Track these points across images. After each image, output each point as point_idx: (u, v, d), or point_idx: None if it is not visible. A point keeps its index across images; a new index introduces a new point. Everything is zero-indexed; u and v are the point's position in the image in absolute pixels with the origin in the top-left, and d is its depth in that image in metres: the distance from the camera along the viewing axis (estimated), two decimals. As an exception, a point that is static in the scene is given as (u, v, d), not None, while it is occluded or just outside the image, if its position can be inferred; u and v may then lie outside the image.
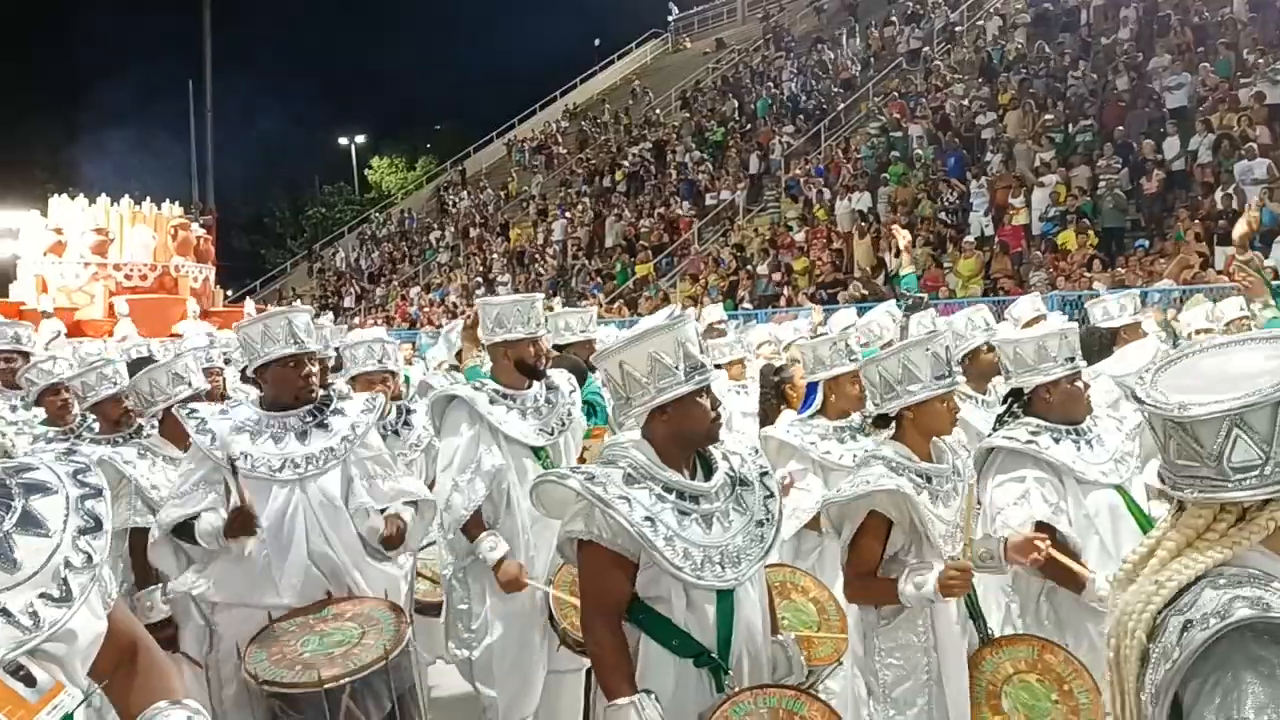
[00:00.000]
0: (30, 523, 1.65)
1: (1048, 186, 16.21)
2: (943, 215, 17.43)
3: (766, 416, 4.84)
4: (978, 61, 22.40)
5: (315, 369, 3.78)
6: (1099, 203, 15.61)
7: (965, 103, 20.25)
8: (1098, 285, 12.17)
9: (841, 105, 24.12)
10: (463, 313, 20.12)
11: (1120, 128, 16.80)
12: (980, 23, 24.43)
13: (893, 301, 7.19)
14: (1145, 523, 3.39)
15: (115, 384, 4.40)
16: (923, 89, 22.10)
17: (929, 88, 21.96)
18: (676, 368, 2.62)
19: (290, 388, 3.68)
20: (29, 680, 1.55)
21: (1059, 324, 4.48)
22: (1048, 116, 18.02)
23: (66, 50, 44.61)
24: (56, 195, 21.00)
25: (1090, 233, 15.04)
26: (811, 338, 5.33)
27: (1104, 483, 3.44)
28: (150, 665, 1.88)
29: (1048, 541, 3.16)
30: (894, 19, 26.56)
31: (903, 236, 7.47)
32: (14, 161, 37.97)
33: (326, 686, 3.04)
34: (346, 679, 3.08)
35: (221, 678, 3.55)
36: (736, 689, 2.57)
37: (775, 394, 4.87)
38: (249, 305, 18.11)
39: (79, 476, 1.78)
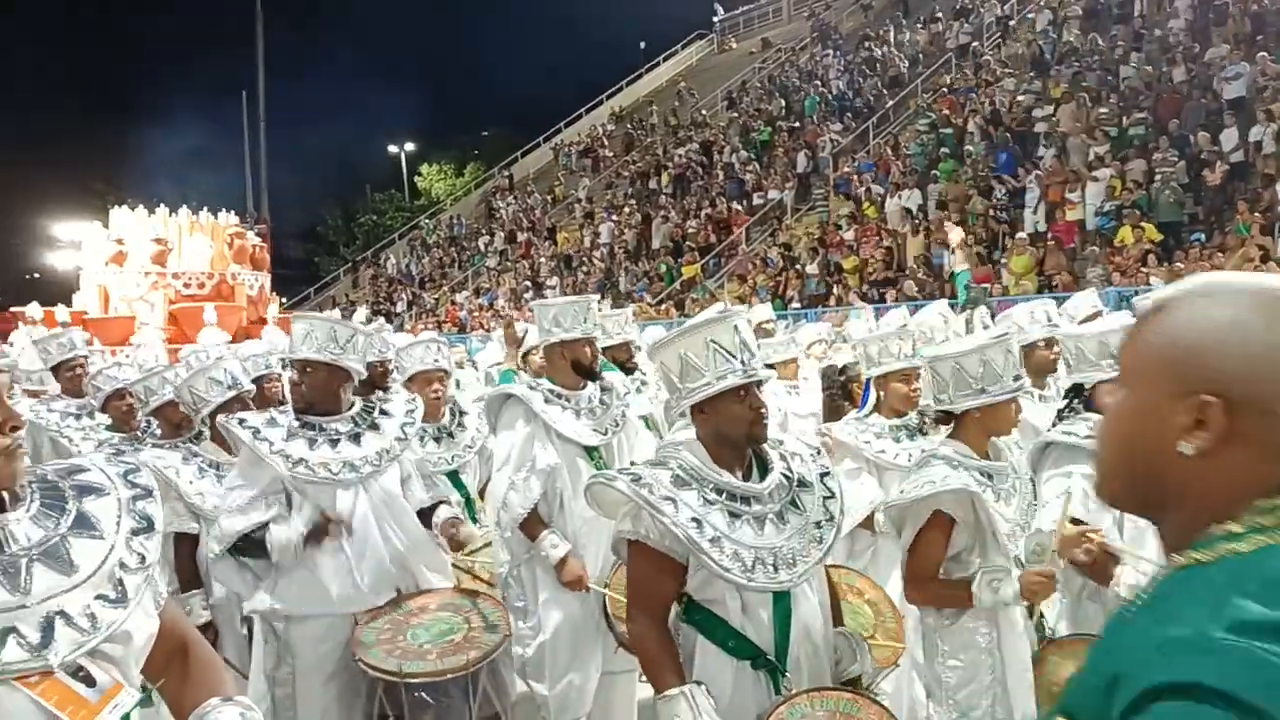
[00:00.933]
0: (85, 525, 1.68)
1: (1102, 181, 15.91)
2: (994, 211, 17.19)
3: (832, 416, 4.80)
4: (1029, 55, 22.06)
5: (345, 385, 3.78)
6: (1155, 196, 15.29)
7: (1017, 97, 19.96)
8: (1155, 281, 11.92)
9: (890, 102, 23.91)
10: (513, 317, 20.28)
11: (1176, 120, 16.46)
12: (1031, 15, 24.07)
13: (944, 300, 7.11)
14: None
15: (173, 390, 4.50)
16: (973, 84, 21.83)
17: (979, 82, 21.68)
18: (735, 356, 2.62)
19: (322, 394, 3.71)
20: (89, 681, 1.58)
21: (1123, 320, 4.39)
22: (1101, 110, 17.69)
23: (125, 67, 45.75)
24: (117, 206, 21.50)
25: (1147, 227, 14.74)
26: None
27: None
28: (201, 663, 1.91)
29: (1099, 536, 3.09)
30: (942, 14, 26.27)
31: (955, 234, 7.39)
32: (76, 175, 39.03)
33: (474, 668, 3.21)
34: (487, 659, 3.25)
35: (300, 691, 3.53)
36: (793, 691, 2.56)
37: (842, 393, 4.84)
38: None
39: (129, 478, 1.81)
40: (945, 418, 3.23)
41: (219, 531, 3.58)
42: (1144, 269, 13.54)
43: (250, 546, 3.58)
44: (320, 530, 3.50)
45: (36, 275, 31.69)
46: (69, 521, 1.66)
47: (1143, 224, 14.77)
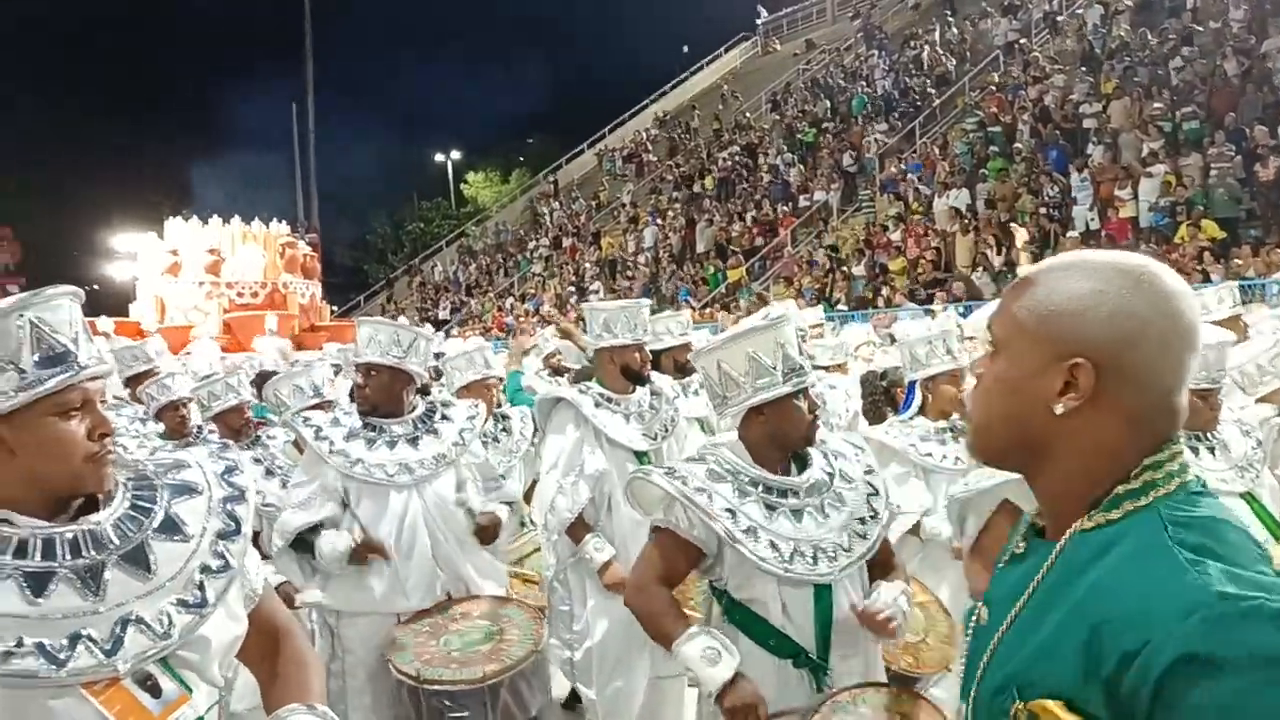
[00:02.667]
0: (170, 528, 1.67)
1: (1156, 177, 15.60)
2: (1045, 209, 16.93)
3: (875, 421, 4.75)
4: (1079, 51, 21.72)
5: (408, 388, 3.84)
6: (1211, 193, 14.97)
7: (1066, 94, 19.65)
8: (1215, 278, 11.66)
9: (937, 101, 23.67)
10: (571, 317, 20.35)
11: (1231, 114, 16.08)
12: (1080, 11, 23.68)
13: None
14: (1275, 529, 3.23)
15: (239, 395, 4.63)
16: (1021, 81, 21.54)
17: (1028, 80, 21.38)
18: (775, 368, 2.62)
19: (386, 396, 3.76)
20: (155, 690, 1.57)
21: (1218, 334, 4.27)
22: (1154, 105, 17.36)
23: (179, 82, 46.76)
24: (172, 218, 21.96)
25: (1205, 224, 14.42)
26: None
27: (1225, 490, 3.28)
28: (293, 660, 1.88)
29: None
30: (990, 11, 25.96)
31: (1021, 234, 7.28)
32: (132, 187, 39.93)
33: (490, 682, 3.17)
34: (506, 674, 3.20)
35: (350, 687, 3.60)
36: (835, 689, 2.54)
37: (884, 399, 4.80)
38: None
39: (227, 477, 1.81)
40: None
41: (281, 525, 3.66)
42: (1200, 266, 13.25)
43: (302, 545, 3.65)
44: (363, 551, 3.54)
45: (95, 286, 32.44)
46: (155, 524, 1.66)
47: (1199, 220, 14.47)
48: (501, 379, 5.38)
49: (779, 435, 2.69)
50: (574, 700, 4.66)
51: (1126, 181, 16.03)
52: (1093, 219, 16.33)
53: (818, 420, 2.73)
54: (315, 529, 3.63)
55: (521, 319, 25.09)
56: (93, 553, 1.57)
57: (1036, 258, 15.80)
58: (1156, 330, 1.14)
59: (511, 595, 4.01)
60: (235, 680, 1.90)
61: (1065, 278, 1.19)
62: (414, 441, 3.74)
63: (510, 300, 28.21)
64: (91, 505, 1.65)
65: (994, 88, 21.92)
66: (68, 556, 1.55)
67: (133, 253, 23.44)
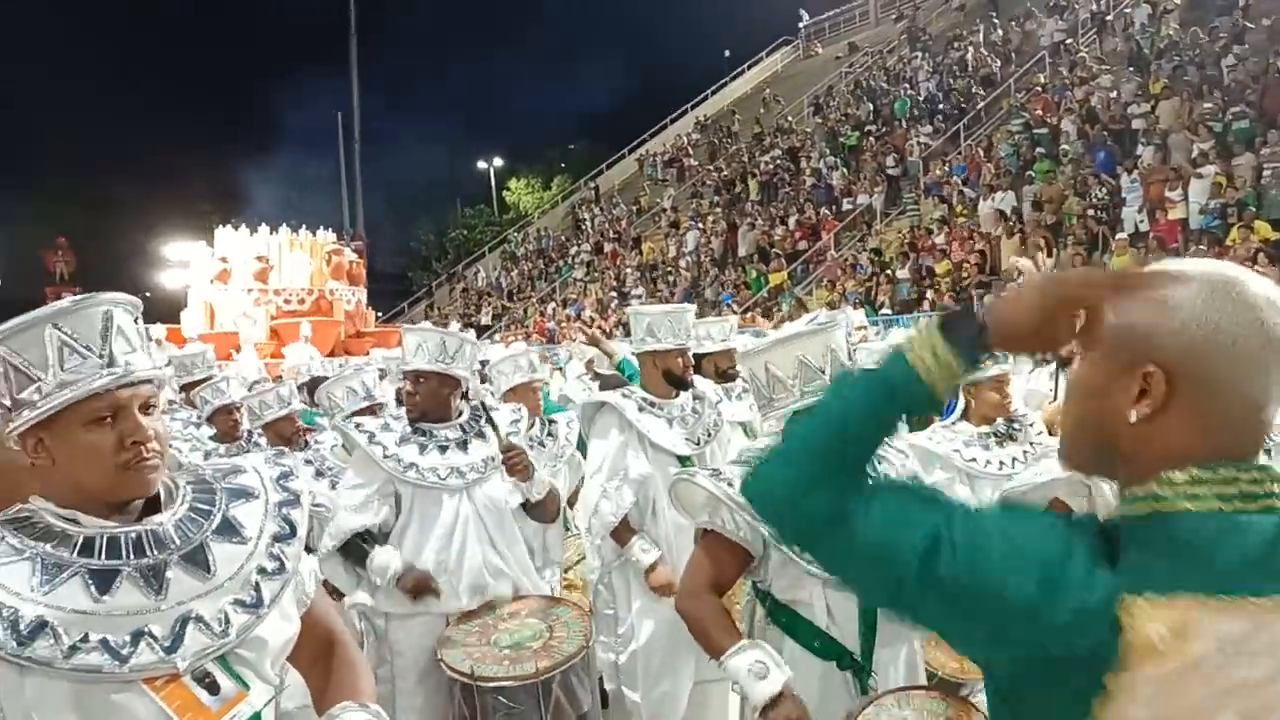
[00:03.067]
0: (228, 530, 1.71)
1: (1206, 178, 15.32)
2: (1093, 211, 16.70)
3: (917, 426, 4.69)
4: (1126, 51, 21.40)
5: (456, 393, 3.88)
6: (1263, 193, 14.66)
7: (1113, 94, 19.37)
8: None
9: (982, 103, 23.44)
10: (598, 325, 20.41)
11: (1285, 112, 15.75)
12: (1128, 10, 23.34)
13: None
14: None
15: (288, 404, 4.74)
16: (1068, 82, 21.26)
17: (1074, 80, 21.10)
18: (824, 371, 2.62)
19: (435, 402, 3.81)
20: (213, 688, 1.61)
21: None
22: (1204, 105, 17.04)
23: (226, 93, 47.61)
24: (221, 227, 22.35)
25: (1259, 225, 14.12)
26: None
27: None
28: (344, 662, 1.92)
29: None
30: (1035, 12, 25.67)
31: (1026, 264, 7.17)
32: (182, 197, 40.73)
33: (543, 677, 3.19)
34: (558, 669, 3.23)
35: (400, 690, 3.62)
36: (880, 691, 2.53)
37: None
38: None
39: (282, 482, 1.85)
40: None
41: (334, 528, 3.70)
42: (1254, 268, 12.97)
43: (352, 551, 3.69)
44: (411, 582, 3.58)
45: (148, 294, 33.09)
46: (213, 525, 1.70)
47: (1252, 223, 14.18)
48: (546, 382, 5.43)
49: None
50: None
51: (1177, 183, 15.76)
52: (1142, 221, 16.07)
53: None
54: (367, 536, 3.68)
55: (563, 324, 25.20)
56: (155, 552, 1.61)
57: (1085, 260, 15.59)
58: (1233, 340, 1.14)
59: (559, 597, 4.03)
60: (287, 678, 1.94)
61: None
62: (463, 445, 3.79)
63: (552, 305, 28.34)
64: (154, 507, 1.69)
65: (1040, 89, 21.66)
66: (131, 556, 1.60)
67: (184, 261, 23.87)
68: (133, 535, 1.61)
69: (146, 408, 1.65)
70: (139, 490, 1.64)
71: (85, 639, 1.52)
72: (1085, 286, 1.24)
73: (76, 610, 1.53)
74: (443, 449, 3.75)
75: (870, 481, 1.32)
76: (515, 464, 3.69)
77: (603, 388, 6.06)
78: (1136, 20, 22.33)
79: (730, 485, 2.62)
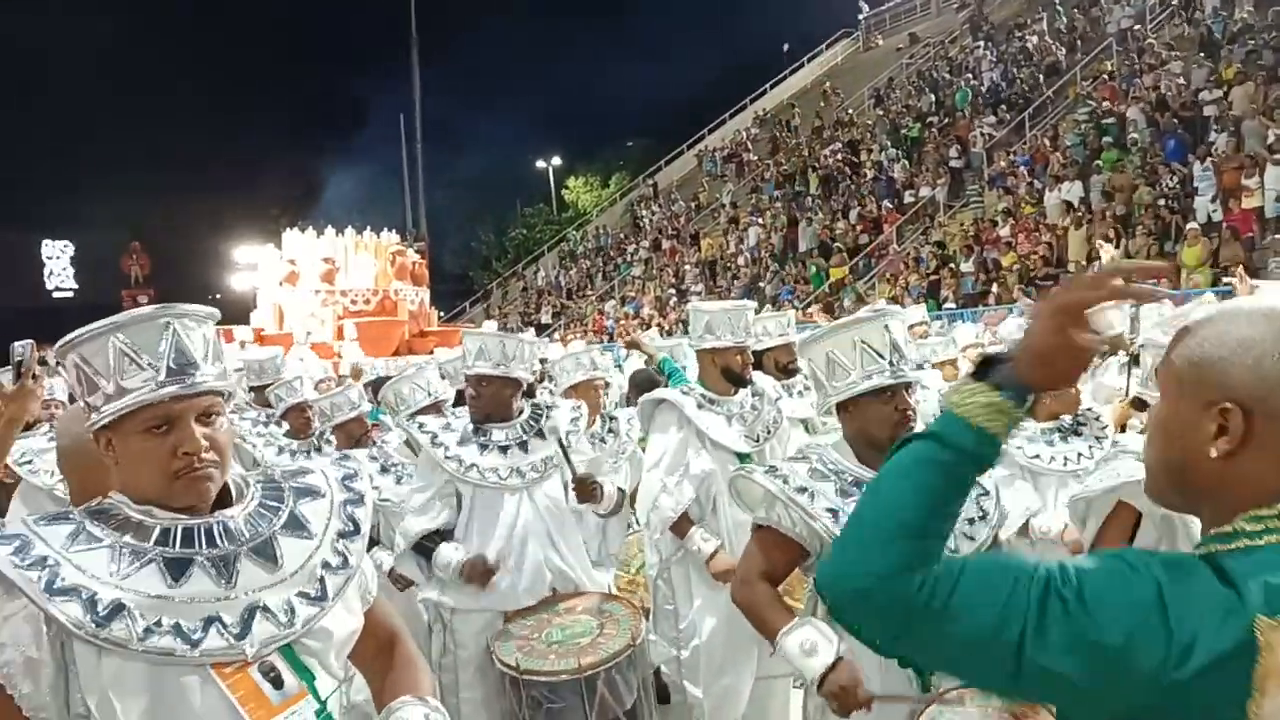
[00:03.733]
0: (296, 525, 1.79)
1: (1284, 164, 14.87)
2: (1164, 201, 16.29)
3: None
4: (1196, 36, 20.81)
5: (517, 393, 3.94)
6: (1346, 179, 14.19)
7: (1182, 80, 18.86)
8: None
9: (1048, 92, 22.99)
10: (657, 323, 20.45)
11: (1368, 95, 15.21)
12: (1199, -6, 22.72)
13: None
14: None
15: (358, 406, 4.89)
16: (1136, 69, 20.75)
17: (1143, 67, 20.59)
18: (883, 356, 2.62)
19: (497, 404, 3.87)
20: (277, 682, 1.66)
21: None
22: (1280, 89, 16.54)
23: (292, 98, 48.60)
24: (289, 229, 22.82)
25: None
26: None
27: None
28: (405, 659, 1.98)
29: None
30: (1101, -2, 25.12)
31: (1107, 250, 7.03)
32: (251, 201, 41.69)
33: (586, 674, 3.22)
34: (602, 667, 3.24)
35: (461, 681, 3.71)
36: (942, 689, 2.52)
37: None
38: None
39: (347, 482, 1.92)
40: (1140, 405, 3.16)
41: (404, 528, 3.80)
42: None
43: (420, 548, 3.80)
44: (468, 569, 3.66)
45: (218, 296, 33.95)
46: (281, 521, 1.78)
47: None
48: (608, 381, 5.48)
49: (865, 434, 2.68)
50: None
51: (1253, 170, 15.31)
52: (1215, 210, 15.65)
53: (911, 422, 2.66)
54: (434, 535, 3.77)
55: (621, 322, 25.28)
56: (226, 544, 1.69)
57: (1159, 250, 15.23)
58: None
59: (617, 594, 4.07)
60: (354, 673, 2.00)
61: (1218, 325, 1.25)
62: (523, 445, 3.84)
63: (611, 303, 28.43)
64: (225, 501, 1.76)
65: (1107, 76, 21.18)
66: (204, 546, 1.67)
67: (253, 263, 24.43)
68: (205, 527, 1.69)
69: (207, 416, 1.70)
70: (191, 499, 1.70)
71: (159, 623, 1.59)
72: (1091, 287, 1.25)
73: (152, 595, 1.60)
74: (503, 449, 3.81)
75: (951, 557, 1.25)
76: (587, 494, 3.79)
77: (634, 384, 6.10)
78: (1207, 4, 21.72)
79: (786, 482, 2.64)
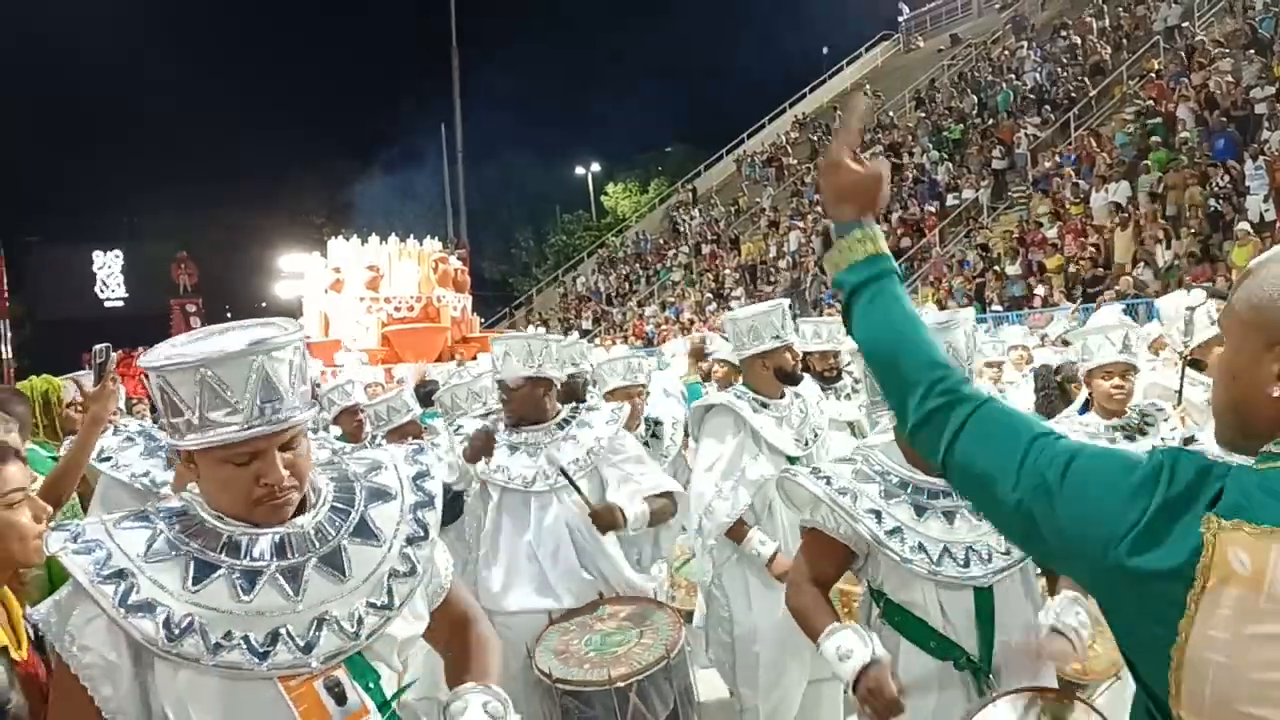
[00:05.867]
0: (364, 533, 1.79)
1: (1340, 162, 14.55)
2: (1214, 201, 16.00)
3: (1046, 418, 4.60)
4: (1246, 33, 20.43)
5: (549, 393, 3.93)
6: (1404, 176, 13.84)
7: (1231, 78, 18.51)
8: None
9: (1093, 92, 22.68)
10: (696, 328, 20.42)
11: None
12: (1249, -11, 22.30)
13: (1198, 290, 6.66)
14: None
15: (410, 410, 4.95)
16: (1184, 67, 20.41)
17: (1192, 65, 20.24)
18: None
19: (530, 405, 3.87)
20: (340, 698, 1.68)
21: None
22: (1337, 86, 16.18)
23: (335, 107, 49.23)
24: (334, 238, 23.09)
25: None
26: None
27: None
28: (478, 643, 2.01)
29: None
30: (1147, -5, 24.72)
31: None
32: (296, 211, 42.29)
33: (617, 685, 3.18)
34: (634, 678, 3.20)
35: (505, 676, 3.75)
36: (996, 692, 2.50)
37: (1058, 393, 4.65)
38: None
39: (418, 481, 1.92)
40: (1196, 365, 3.08)
41: None
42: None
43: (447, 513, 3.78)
44: (478, 445, 3.67)
45: (264, 304, 34.47)
46: (350, 527, 1.78)
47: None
48: (645, 387, 5.48)
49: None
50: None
51: (1307, 168, 15.00)
52: (1268, 210, 15.34)
53: None
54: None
55: (661, 326, 25.30)
56: (295, 554, 1.70)
57: (1205, 250, 14.97)
58: None
59: (664, 600, 4.05)
60: (410, 668, 2.03)
61: (1274, 268, 1.26)
62: (557, 447, 3.84)
63: (651, 309, 28.46)
64: (298, 506, 1.77)
65: (1154, 75, 20.86)
66: (275, 558, 1.69)
67: (298, 272, 24.73)
68: (276, 538, 1.70)
69: (290, 443, 1.71)
70: (270, 521, 1.72)
71: (228, 635, 1.61)
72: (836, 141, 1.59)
73: (221, 610, 1.62)
74: (535, 451, 3.81)
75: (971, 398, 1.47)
76: (606, 525, 3.70)
77: None
78: (1257, 1, 21.31)
79: (829, 483, 2.63)
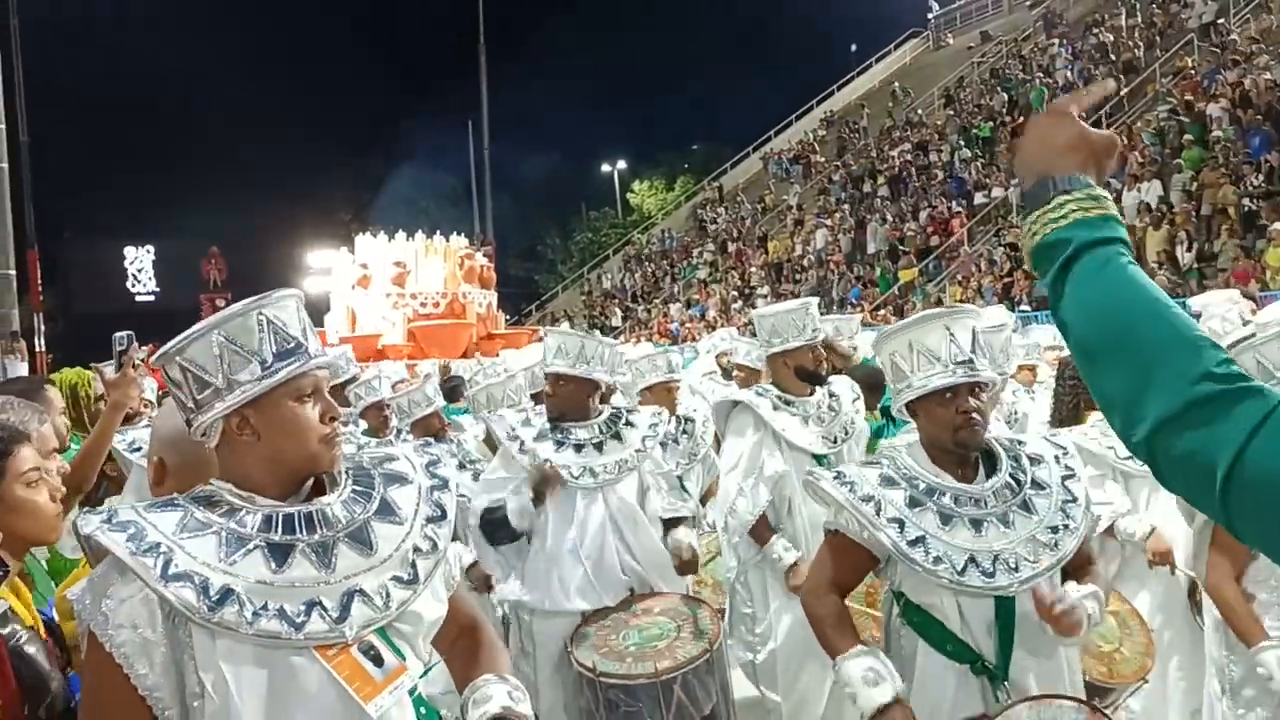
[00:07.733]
0: (387, 511, 1.84)
1: (1379, 161, 14.30)
2: (1248, 201, 15.77)
3: (1063, 417, 4.52)
4: (1283, 29, 20.14)
5: (594, 394, 3.94)
6: None
7: (1268, 75, 18.23)
8: None
9: (1125, 89, 22.43)
10: (721, 326, 20.39)
11: None
12: (1286, -15, 21.97)
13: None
14: None
15: (433, 402, 4.96)
16: (1218, 65, 20.13)
17: (1226, 63, 19.97)
18: (910, 371, 2.58)
19: (573, 404, 3.88)
20: (377, 660, 1.72)
21: None
22: (1375, 82, 15.91)
23: (362, 105, 49.54)
24: (361, 234, 23.25)
25: None
26: None
27: None
28: (486, 643, 2.04)
29: None
30: (1181, -8, 24.43)
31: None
32: (324, 207, 42.61)
33: (663, 678, 3.20)
34: (679, 671, 3.22)
35: (540, 679, 3.72)
36: (1014, 699, 2.46)
37: (1086, 395, 4.59)
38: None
39: (431, 468, 1.97)
40: None
41: (473, 507, 3.85)
42: None
43: (497, 530, 3.78)
44: (543, 485, 3.67)
45: (292, 300, 34.68)
46: (374, 507, 1.83)
47: None
48: (680, 382, 5.49)
49: (928, 436, 2.63)
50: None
51: (1344, 167, 14.76)
52: (1305, 208, 15.11)
53: (973, 423, 2.56)
54: (506, 528, 3.77)
55: (686, 324, 25.28)
56: (325, 530, 1.75)
57: (1246, 252, 14.78)
58: None
59: (695, 596, 4.05)
60: (434, 663, 2.05)
61: None
62: (599, 446, 3.84)
63: (676, 306, 28.44)
64: (318, 490, 1.82)
65: (1188, 73, 20.60)
66: (305, 532, 1.73)
67: (326, 268, 24.93)
68: (305, 514, 1.75)
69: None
70: (331, 464, 1.79)
71: (265, 606, 1.65)
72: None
73: (257, 580, 1.66)
74: (579, 448, 3.81)
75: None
76: (688, 570, 3.77)
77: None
78: (1295, -4, 21.01)
79: (853, 489, 2.58)
